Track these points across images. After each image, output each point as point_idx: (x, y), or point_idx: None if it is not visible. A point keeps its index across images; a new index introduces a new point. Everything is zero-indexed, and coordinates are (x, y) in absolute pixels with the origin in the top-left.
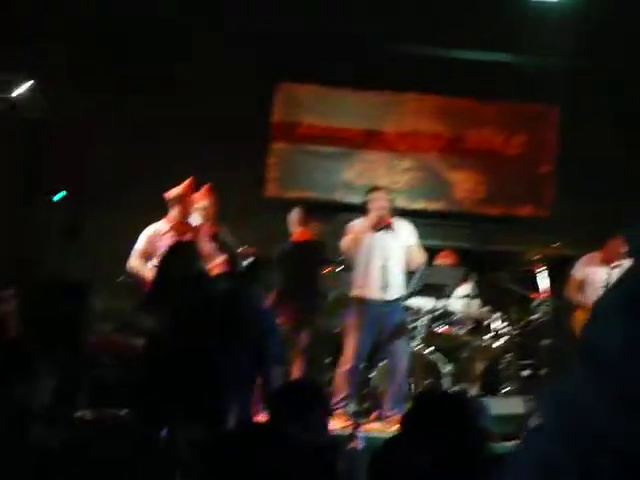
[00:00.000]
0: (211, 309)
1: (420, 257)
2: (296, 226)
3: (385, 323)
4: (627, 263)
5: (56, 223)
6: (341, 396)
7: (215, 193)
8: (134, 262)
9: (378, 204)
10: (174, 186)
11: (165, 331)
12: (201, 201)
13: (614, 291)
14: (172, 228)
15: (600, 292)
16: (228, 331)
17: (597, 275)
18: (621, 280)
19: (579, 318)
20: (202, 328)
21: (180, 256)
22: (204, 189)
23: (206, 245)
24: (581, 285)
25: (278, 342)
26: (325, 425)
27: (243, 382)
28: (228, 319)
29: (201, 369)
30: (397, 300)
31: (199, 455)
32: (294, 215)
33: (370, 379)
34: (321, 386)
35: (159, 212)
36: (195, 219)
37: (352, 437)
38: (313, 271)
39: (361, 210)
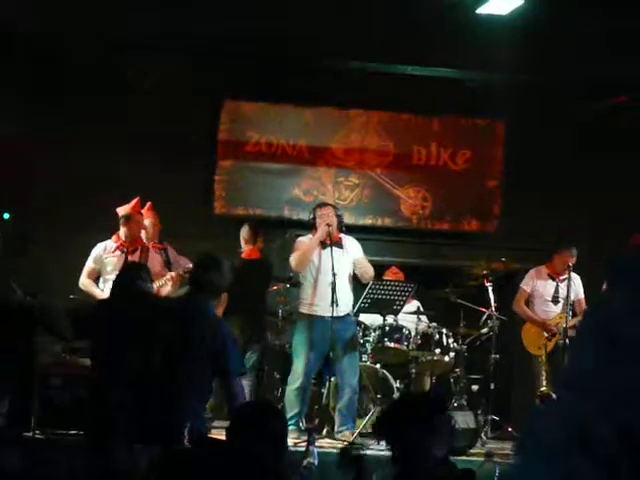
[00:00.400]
0: (160, 326)
1: (370, 269)
2: (245, 243)
3: (335, 339)
4: (575, 277)
5: (4, 241)
6: (292, 413)
7: (156, 211)
8: (84, 280)
9: (326, 220)
10: (123, 204)
11: (112, 350)
12: (144, 219)
13: (588, 317)
14: (120, 246)
15: (548, 304)
16: (179, 347)
17: (545, 288)
18: (594, 307)
19: (528, 331)
20: (151, 345)
21: (129, 275)
22: (146, 208)
23: (155, 263)
24: (530, 298)
25: (237, 354)
26: (283, 442)
27: (198, 397)
28: (180, 335)
29: (152, 387)
30: (346, 316)
31: (155, 473)
32: (243, 232)
33: (321, 395)
34: (276, 406)
35: (109, 229)
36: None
37: (306, 453)
38: (261, 289)
39: (309, 226)
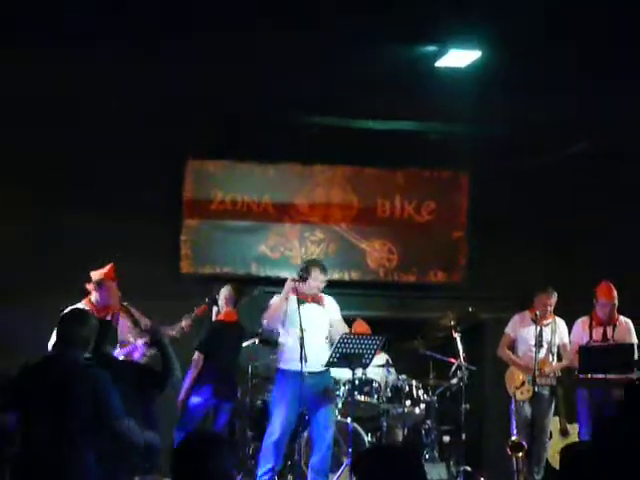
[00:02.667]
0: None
1: (345, 331)
2: (225, 304)
3: (311, 394)
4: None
5: None
6: (265, 467)
7: (116, 272)
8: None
9: (318, 280)
10: (89, 266)
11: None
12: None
13: None
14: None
15: (532, 349)
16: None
17: (529, 333)
18: None
19: (512, 376)
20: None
21: None
22: (107, 268)
23: (124, 326)
24: (514, 343)
25: (116, 397)
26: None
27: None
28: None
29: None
30: (322, 372)
31: None
32: (225, 292)
33: (293, 450)
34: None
35: (76, 291)
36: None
37: None
38: (237, 351)
39: (278, 282)
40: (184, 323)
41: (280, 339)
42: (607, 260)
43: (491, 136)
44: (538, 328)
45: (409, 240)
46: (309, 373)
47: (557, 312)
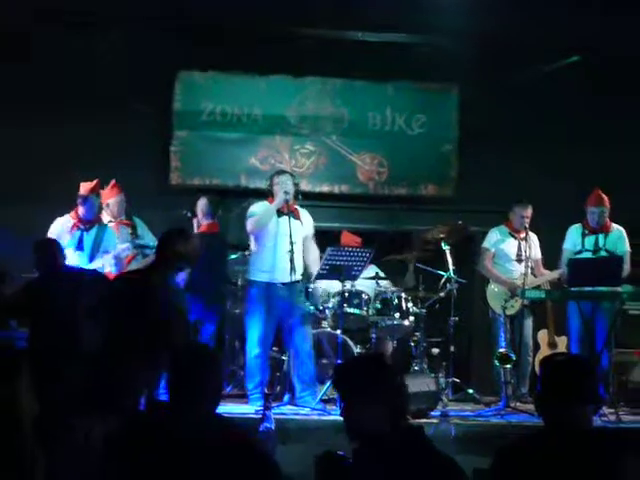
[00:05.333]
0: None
1: (316, 251)
2: (203, 216)
3: (288, 306)
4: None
5: None
6: (254, 382)
7: (120, 188)
8: None
9: (284, 187)
10: (79, 179)
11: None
12: (108, 199)
13: None
14: (76, 225)
15: (512, 263)
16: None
17: (508, 247)
18: None
19: (492, 290)
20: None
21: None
22: (109, 186)
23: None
24: (494, 257)
25: (184, 326)
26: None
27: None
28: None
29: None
30: (296, 282)
31: (113, 444)
32: (201, 205)
33: (283, 362)
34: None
35: (65, 206)
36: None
37: (262, 419)
38: (222, 262)
39: (266, 194)
40: None
41: (258, 250)
42: (599, 173)
43: (481, 49)
44: (517, 242)
45: (400, 153)
46: (282, 284)
47: (550, 226)
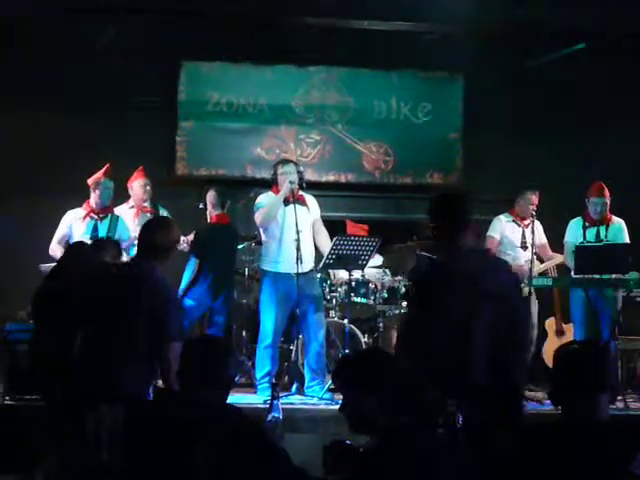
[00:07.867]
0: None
1: (325, 232)
2: (212, 207)
3: (300, 296)
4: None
5: None
6: (264, 371)
7: (146, 174)
8: (54, 245)
9: (288, 177)
10: (85, 170)
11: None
12: (132, 182)
13: None
14: (89, 214)
15: (517, 251)
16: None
17: (513, 234)
18: None
19: None
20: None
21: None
22: (103, 170)
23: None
24: (499, 245)
25: (177, 319)
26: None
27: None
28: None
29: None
30: (310, 272)
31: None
32: (210, 197)
33: (290, 352)
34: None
35: (77, 196)
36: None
37: (270, 408)
38: (231, 253)
39: (271, 184)
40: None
41: (267, 241)
42: (605, 160)
43: (487, 36)
44: (521, 229)
45: (405, 142)
46: (294, 274)
47: (554, 213)
